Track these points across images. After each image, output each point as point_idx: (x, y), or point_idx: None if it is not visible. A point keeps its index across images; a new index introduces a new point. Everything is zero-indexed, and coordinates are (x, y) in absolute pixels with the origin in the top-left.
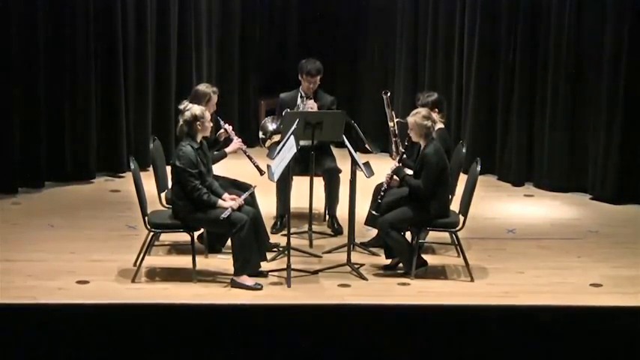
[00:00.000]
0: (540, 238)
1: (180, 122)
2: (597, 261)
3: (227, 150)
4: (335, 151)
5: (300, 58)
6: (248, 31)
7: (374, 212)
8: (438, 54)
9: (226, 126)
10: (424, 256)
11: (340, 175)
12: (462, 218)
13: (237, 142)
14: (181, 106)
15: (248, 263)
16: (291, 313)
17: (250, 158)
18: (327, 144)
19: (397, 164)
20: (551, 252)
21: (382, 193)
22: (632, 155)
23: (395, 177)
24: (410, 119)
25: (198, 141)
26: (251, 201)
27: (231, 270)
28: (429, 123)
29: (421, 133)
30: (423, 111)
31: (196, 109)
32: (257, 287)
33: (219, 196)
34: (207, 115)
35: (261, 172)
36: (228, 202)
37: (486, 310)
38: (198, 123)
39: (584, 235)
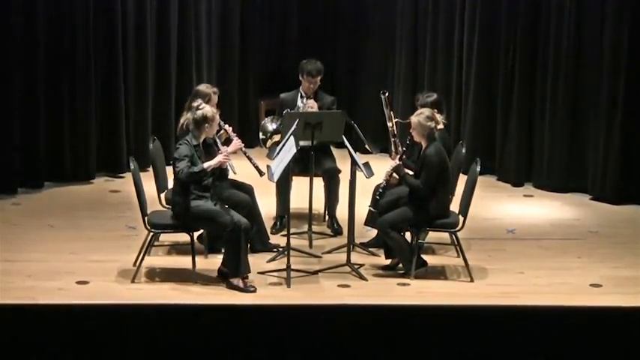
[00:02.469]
0: (540, 238)
1: (189, 118)
2: (597, 261)
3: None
4: (335, 151)
5: (300, 59)
6: (248, 31)
7: (372, 209)
8: (438, 54)
9: (226, 126)
10: (424, 257)
11: (340, 175)
12: (461, 218)
13: (237, 143)
14: (195, 104)
15: (240, 266)
16: (291, 313)
17: (250, 159)
18: (327, 144)
19: (397, 162)
20: (551, 252)
21: (381, 191)
22: (632, 156)
23: (394, 175)
24: (413, 119)
25: (200, 141)
26: (250, 202)
27: None
28: (432, 124)
29: (423, 133)
30: (426, 111)
31: (208, 110)
32: (250, 290)
33: (220, 198)
34: (217, 119)
35: (261, 174)
36: (217, 158)
37: (486, 310)
38: (206, 125)
39: (584, 235)
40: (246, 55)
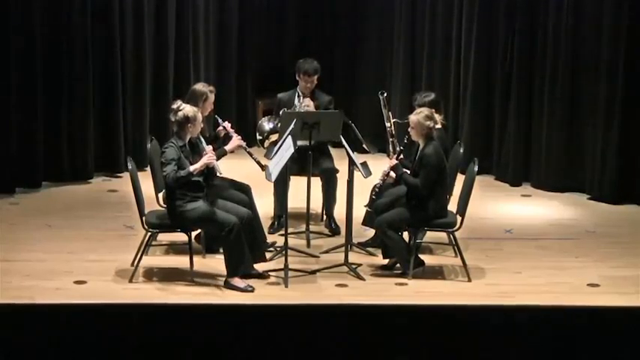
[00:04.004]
0: (538, 238)
1: (172, 121)
2: (595, 261)
3: (227, 148)
4: (333, 151)
5: (298, 58)
6: (246, 31)
7: (368, 208)
8: (436, 54)
9: (225, 123)
10: (421, 256)
11: (338, 175)
12: (459, 218)
13: (236, 140)
14: (174, 106)
15: (239, 265)
16: (289, 313)
17: (251, 155)
18: (325, 144)
19: (395, 162)
20: (549, 252)
21: (377, 190)
22: (630, 155)
23: (391, 174)
24: (412, 117)
25: (186, 141)
26: (248, 202)
27: None
28: (431, 123)
29: (422, 132)
30: (425, 111)
31: (189, 110)
32: (248, 289)
33: (220, 197)
34: (199, 117)
35: (263, 168)
36: (202, 160)
37: (484, 310)
38: (189, 125)
39: (582, 235)
40: (243, 54)
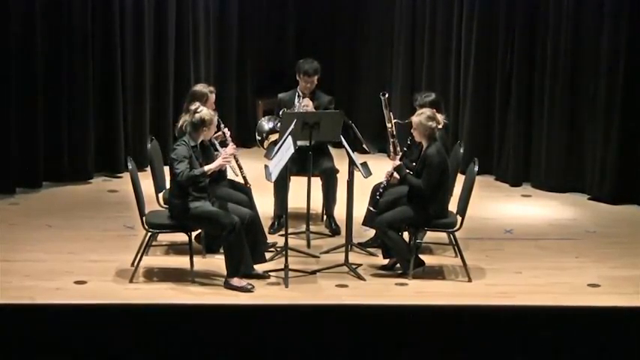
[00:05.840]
0: (538, 238)
1: (186, 121)
2: (595, 261)
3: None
4: (333, 151)
5: (299, 58)
6: (246, 30)
7: (372, 209)
8: (436, 54)
9: (225, 130)
10: (422, 256)
11: (338, 175)
12: (459, 218)
13: (231, 149)
14: (192, 107)
15: (239, 265)
16: (289, 313)
17: (240, 168)
18: (325, 144)
19: (398, 162)
20: (549, 252)
21: (381, 191)
22: (630, 155)
23: (395, 175)
24: (414, 119)
25: (198, 142)
26: (248, 202)
27: None
28: (433, 124)
29: (425, 133)
30: (427, 111)
31: (206, 113)
32: (249, 289)
33: (219, 198)
34: (215, 121)
35: (247, 184)
36: (217, 161)
37: (484, 310)
38: (204, 128)
39: (582, 235)
40: (244, 54)
